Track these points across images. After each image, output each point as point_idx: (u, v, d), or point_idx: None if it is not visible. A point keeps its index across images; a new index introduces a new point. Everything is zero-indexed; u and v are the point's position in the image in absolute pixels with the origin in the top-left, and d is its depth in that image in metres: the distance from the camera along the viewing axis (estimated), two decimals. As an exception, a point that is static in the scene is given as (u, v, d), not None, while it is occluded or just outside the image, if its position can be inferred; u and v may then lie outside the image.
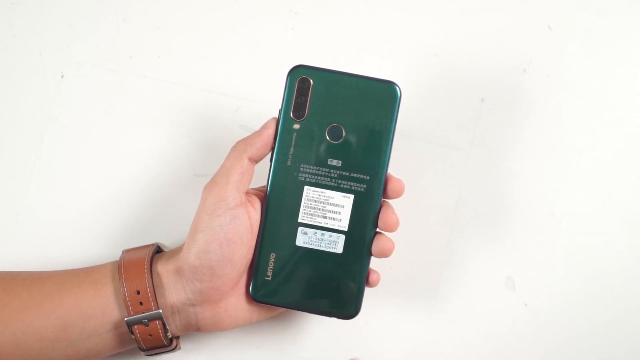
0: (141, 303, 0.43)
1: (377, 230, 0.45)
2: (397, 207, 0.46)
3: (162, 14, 0.55)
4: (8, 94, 0.53)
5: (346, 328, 0.51)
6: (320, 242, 0.45)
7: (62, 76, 0.54)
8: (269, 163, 0.45)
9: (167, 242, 0.51)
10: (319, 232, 0.45)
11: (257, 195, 0.46)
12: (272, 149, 0.45)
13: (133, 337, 0.44)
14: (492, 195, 0.53)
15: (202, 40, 0.54)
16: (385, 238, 0.45)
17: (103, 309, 0.44)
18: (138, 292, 0.43)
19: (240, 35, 0.54)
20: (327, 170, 0.45)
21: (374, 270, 0.46)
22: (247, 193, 0.45)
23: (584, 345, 0.51)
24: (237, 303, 0.45)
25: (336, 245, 0.45)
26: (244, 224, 0.44)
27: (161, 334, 0.44)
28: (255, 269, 0.45)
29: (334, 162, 0.45)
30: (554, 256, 0.52)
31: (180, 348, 0.48)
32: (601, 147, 0.54)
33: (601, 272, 0.52)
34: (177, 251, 0.45)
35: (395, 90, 0.44)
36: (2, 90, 0.53)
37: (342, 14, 0.55)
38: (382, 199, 0.45)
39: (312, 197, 0.45)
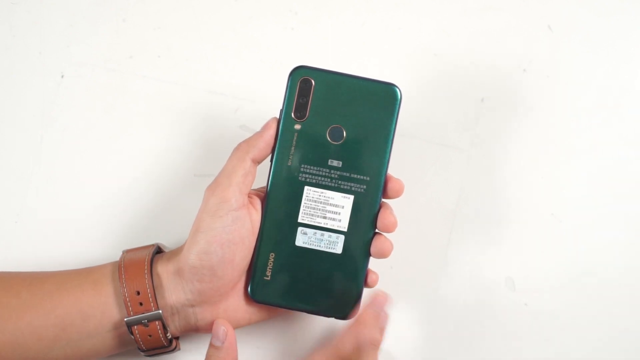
0: (141, 303, 0.43)
1: (376, 231, 0.45)
2: (396, 207, 0.46)
3: (162, 14, 0.55)
4: (8, 94, 0.53)
5: (346, 328, 0.51)
6: (320, 243, 0.45)
7: (62, 76, 0.54)
8: (270, 163, 0.45)
9: (167, 243, 0.51)
10: (319, 232, 0.45)
11: (258, 196, 0.46)
12: (273, 149, 0.45)
13: (133, 337, 0.44)
14: (492, 195, 0.53)
15: (202, 40, 0.54)
16: (384, 239, 0.45)
17: (103, 309, 0.44)
18: (138, 293, 0.43)
19: (240, 35, 0.54)
20: (328, 170, 0.45)
21: (373, 271, 0.46)
22: (248, 195, 0.45)
23: (584, 345, 0.51)
24: (236, 304, 0.45)
25: (335, 245, 0.45)
26: (245, 226, 0.44)
27: (161, 335, 0.44)
28: (254, 269, 0.45)
29: (335, 163, 0.45)
30: (554, 256, 0.52)
31: (179, 349, 0.48)
32: (601, 147, 0.53)
33: (601, 272, 0.52)
34: (177, 252, 0.45)
35: (395, 92, 0.44)
36: (2, 90, 0.53)
37: (342, 14, 0.55)
38: (382, 200, 0.45)
39: (312, 197, 0.45)
